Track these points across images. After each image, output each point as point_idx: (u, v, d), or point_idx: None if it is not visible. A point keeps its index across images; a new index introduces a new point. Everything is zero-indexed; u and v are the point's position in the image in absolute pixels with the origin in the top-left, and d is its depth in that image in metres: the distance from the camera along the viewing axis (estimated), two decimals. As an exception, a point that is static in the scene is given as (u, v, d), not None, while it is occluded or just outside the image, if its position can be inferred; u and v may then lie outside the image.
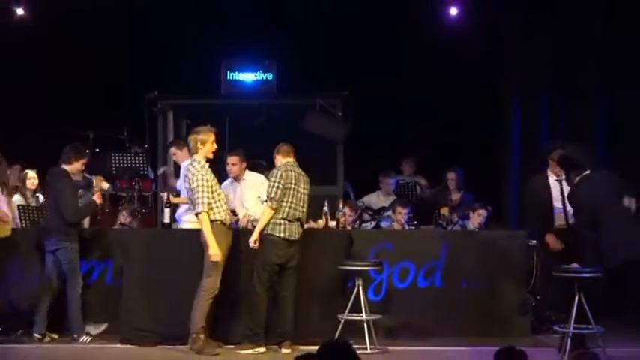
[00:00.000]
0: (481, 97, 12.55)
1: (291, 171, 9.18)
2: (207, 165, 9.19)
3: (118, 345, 9.51)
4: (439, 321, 9.69)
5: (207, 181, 9.05)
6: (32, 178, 10.76)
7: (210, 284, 9.04)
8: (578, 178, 8.68)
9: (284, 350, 9.06)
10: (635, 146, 12.20)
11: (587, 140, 12.39)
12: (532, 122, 12.69)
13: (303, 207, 9.21)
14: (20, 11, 12.94)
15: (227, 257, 9.17)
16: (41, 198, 10.78)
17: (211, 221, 9.09)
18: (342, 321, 9.11)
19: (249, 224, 9.78)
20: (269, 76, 12.61)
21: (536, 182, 9.53)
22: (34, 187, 10.77)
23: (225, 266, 9.14)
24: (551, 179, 9.32)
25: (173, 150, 10.69)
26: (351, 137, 12.22)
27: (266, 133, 12.39)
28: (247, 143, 12.47)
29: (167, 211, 9.87)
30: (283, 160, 9.28)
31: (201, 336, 9.00)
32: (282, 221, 9.07)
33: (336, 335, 8.97)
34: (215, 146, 9.28)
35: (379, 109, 12.56)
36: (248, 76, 12.63)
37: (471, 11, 12.55)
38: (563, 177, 9.12)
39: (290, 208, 9.10)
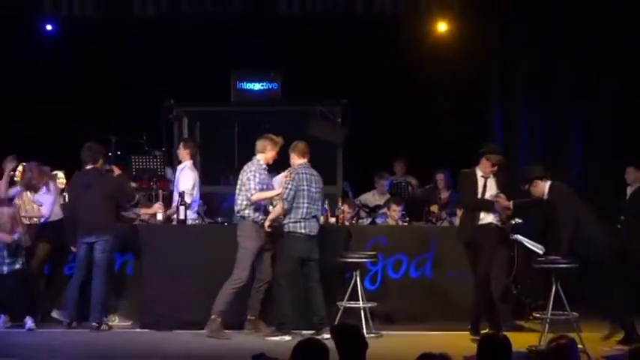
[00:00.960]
0: (467, 105, 12.57)
1: (303, 174, 9.20)
2: (265, 166, 9.31)
3: (138, 329, 9.60)
4: (429, 308, 9.73)
5: (257, 178, 9.19)
6: (61, 178, 10.79)
7: (239, 275, 9.10)
8: (548, 186, 8.74)
9: (325, 336, 8.93)
10: (608, 152, 12.27)
11: (563, 144, 12.48)
12: (513, 129, 12.70)
13: (317, 205, 9.25)
14: (49, 27, 12.97)
15: (259, 253, 9.24)
16: (67, 197, 10.87)
17: (245, 217, 9.19)
18: (342, 308, 9.16)
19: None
20: (275, 85, 12.63)
21: (466, 175, 9.42)
22: (62, 187, 10.79)
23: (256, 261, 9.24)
24: (479, 174, 9.28)
25: (180, 147, 10.76)
26: (349, 141, 12.26)
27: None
28: (254, 146, 12.51)
29: (182, 209, 9.90)
30: (298, 161, 9.29)
31: (219, 320, 9.05)
32: (301, 220, 9.12)
33: (336, 321, 9.02)
34: (276, 156, 9.41)
35: (374, 116, 12.58)
36: (256, 86, 12.66)
37: (457, 27, 12.57)
38: (490, 175, 9.14)
39: (306, 207, 9.13)
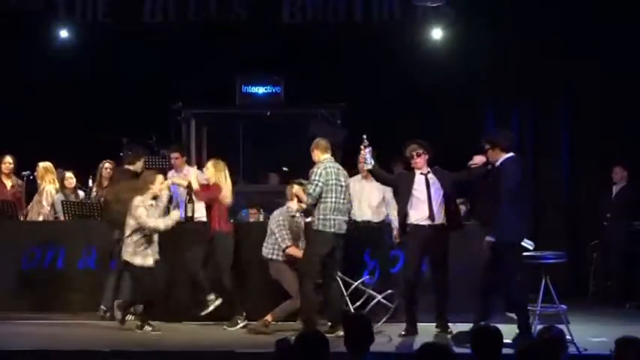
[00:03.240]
0: (459, 110, 12.53)
1: (330, 167, 8.69)
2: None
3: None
4: (425, 300, 9.63)
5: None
6: (69, 177, 10.80)
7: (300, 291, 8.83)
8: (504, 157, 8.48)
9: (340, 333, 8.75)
10: (594, 153, 12.23)
11: (552, 147, 12.47)
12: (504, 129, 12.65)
13: (345, 199, 8.75)
14: (64, 33, 12.92)
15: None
16: (81, 194, 10.85)
17: (273, 260, 9.11)
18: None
19: None
20: (278, 89, 12.61)
21: (404, 175, 9.31)
22: (71, 186, 10.79)
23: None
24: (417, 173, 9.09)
25: (176, 155, 10.64)
26: (349, 142, 12.18)
27: (274, 137, 12.42)
28: (258, 146, 12.50)
29: (190, 207, 9.86)
30: (322, 156, 8.81)
31: (269, 319, 8.85)
32: (330, 216, 8.61)
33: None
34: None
35: (372, 118, 12.53)
36: (260, 90, 12.62)
37: (452, 33, 12.54)
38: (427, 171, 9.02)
39: (335, 202, 8.61)
